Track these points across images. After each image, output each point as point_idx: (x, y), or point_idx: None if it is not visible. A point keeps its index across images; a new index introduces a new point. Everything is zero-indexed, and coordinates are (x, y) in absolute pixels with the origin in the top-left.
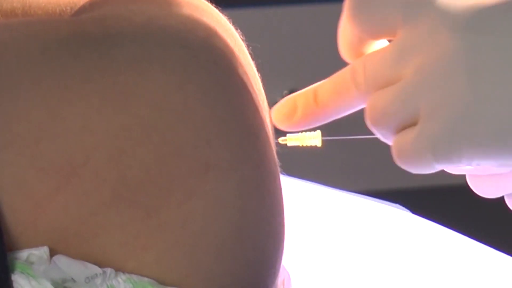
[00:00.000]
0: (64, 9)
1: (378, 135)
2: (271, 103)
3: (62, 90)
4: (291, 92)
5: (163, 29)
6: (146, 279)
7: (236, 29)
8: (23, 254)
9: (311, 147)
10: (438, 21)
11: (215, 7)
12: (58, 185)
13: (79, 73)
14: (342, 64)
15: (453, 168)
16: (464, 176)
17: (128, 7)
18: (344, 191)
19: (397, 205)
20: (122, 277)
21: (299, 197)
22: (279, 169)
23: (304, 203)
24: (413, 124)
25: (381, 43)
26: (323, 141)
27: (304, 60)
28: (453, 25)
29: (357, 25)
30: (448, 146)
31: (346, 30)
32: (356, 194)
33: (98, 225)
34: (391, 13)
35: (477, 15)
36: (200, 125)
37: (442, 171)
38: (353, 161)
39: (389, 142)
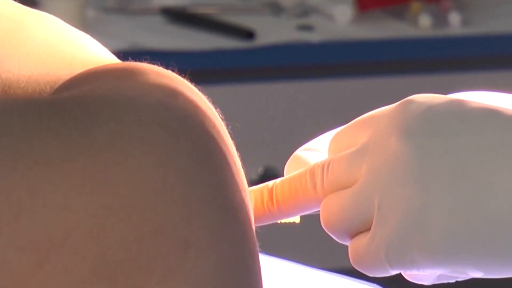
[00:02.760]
0: (44, 88)
1: (334, 237)
2: (246, 180)
3: (42, 168)
4: (266, 169)
5: (142, 108)
6: None
7: (216, 107)
8: None
9: (289, 223)
10: (389, 125)
11: (194, 85)
12: (37, 263)
13: (59, 151)
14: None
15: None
16: None
17: (108, 86)
18: (323, 271)
19: (376, 286)
20: None
21: (277, 277)
22: (258, 248)
23: (282, 284)
24: (367, 227)
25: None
26: (301, 217)
27: (279, 137)
28: (402, 128)
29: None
30: (400, 252)
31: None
32: (335, 274)
33: None
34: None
35: (427, 118)
36: (180, 204)
37: None
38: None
39: (346, 243)
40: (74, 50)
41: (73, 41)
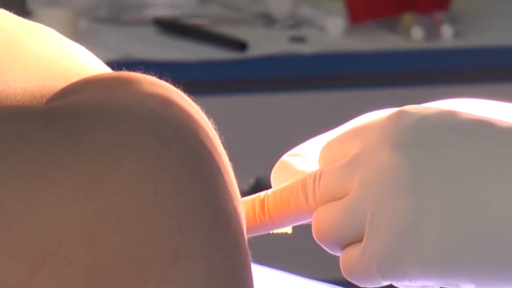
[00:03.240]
0: (40, 100)
1: (326, 248)
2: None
3: (36, 176)
4: (257, 180)
5: (136, 117)
6: None
7: (209, 118)
8: None
9: (281, 233)
10: (382, 137)
11: (187, 95)
12: (30, 272)
13: (53, 160)
14: None
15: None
16: None
17: (102, 95)
18: (315, 281)
19: None
20: None
21: (269, 287)
22: (250, 258)
23: None
24: (359, 239)
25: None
26: (293, 227)
27: (270, 148)
28: (395, 140)
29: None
30: (391, 264)
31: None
32: (327, 284)
33: None
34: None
35: (419, 129)
36: (172, 213)
37: None
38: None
39: (337, 254)
40: (70, 62)
41: (69, 53)
